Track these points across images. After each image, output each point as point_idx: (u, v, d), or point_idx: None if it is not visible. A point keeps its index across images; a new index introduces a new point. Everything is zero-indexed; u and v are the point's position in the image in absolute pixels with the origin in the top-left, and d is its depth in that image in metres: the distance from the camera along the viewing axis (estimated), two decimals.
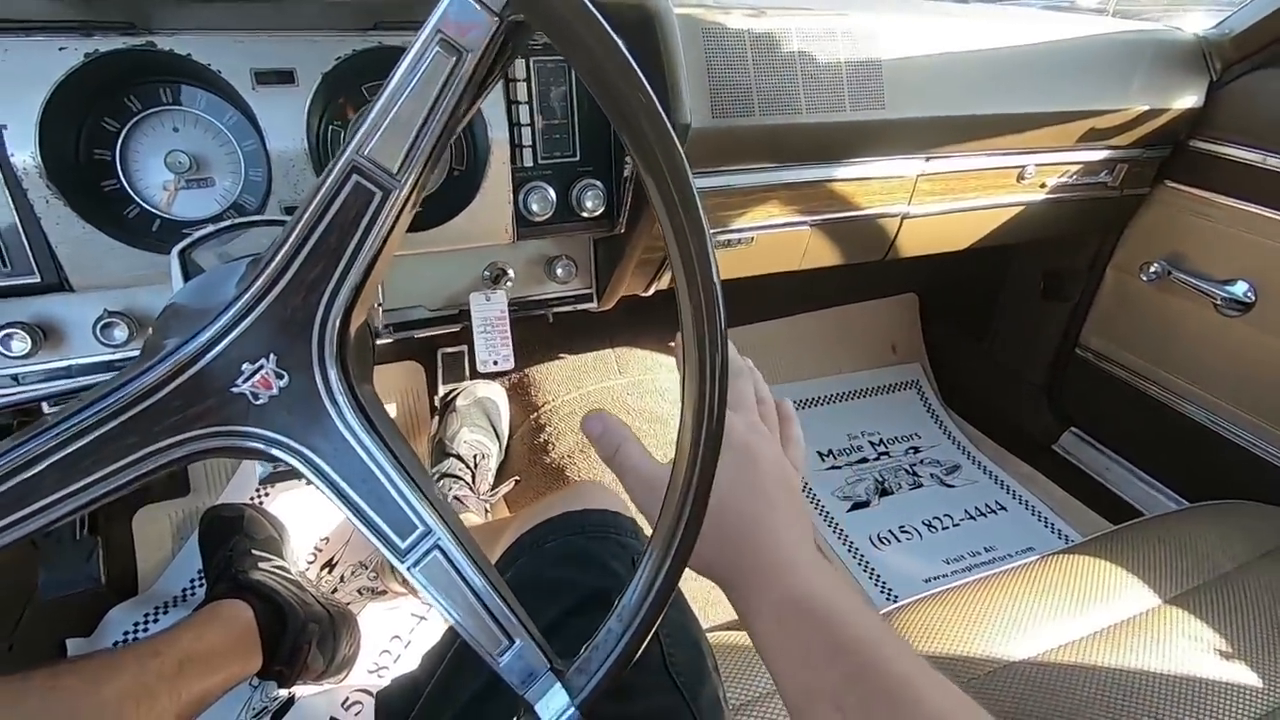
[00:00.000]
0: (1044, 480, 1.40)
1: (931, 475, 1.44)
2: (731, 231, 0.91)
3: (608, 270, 0.84)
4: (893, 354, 1.65)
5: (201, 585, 1.10)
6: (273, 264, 0.35)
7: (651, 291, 0.94)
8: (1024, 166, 1.05)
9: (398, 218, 0.35)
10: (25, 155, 0.53)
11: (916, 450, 1.50)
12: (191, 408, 0.36)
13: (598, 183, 0.73)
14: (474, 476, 1.15)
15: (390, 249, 0.37)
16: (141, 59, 0.55)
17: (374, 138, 0.33)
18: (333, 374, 0.38)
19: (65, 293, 0.61)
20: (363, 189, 0.34)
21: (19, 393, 0.64)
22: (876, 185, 0.96)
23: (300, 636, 0.90)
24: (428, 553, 0.38)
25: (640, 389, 1.22)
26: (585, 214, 0.73)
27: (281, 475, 0.83)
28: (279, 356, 0.37)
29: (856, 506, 1.35)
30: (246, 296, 0.36)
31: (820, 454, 1.46)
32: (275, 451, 0.38)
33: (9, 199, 0.55)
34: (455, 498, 1.12)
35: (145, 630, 1.03)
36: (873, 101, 0.86)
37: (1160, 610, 0.74)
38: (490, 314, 0.79)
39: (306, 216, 0.34)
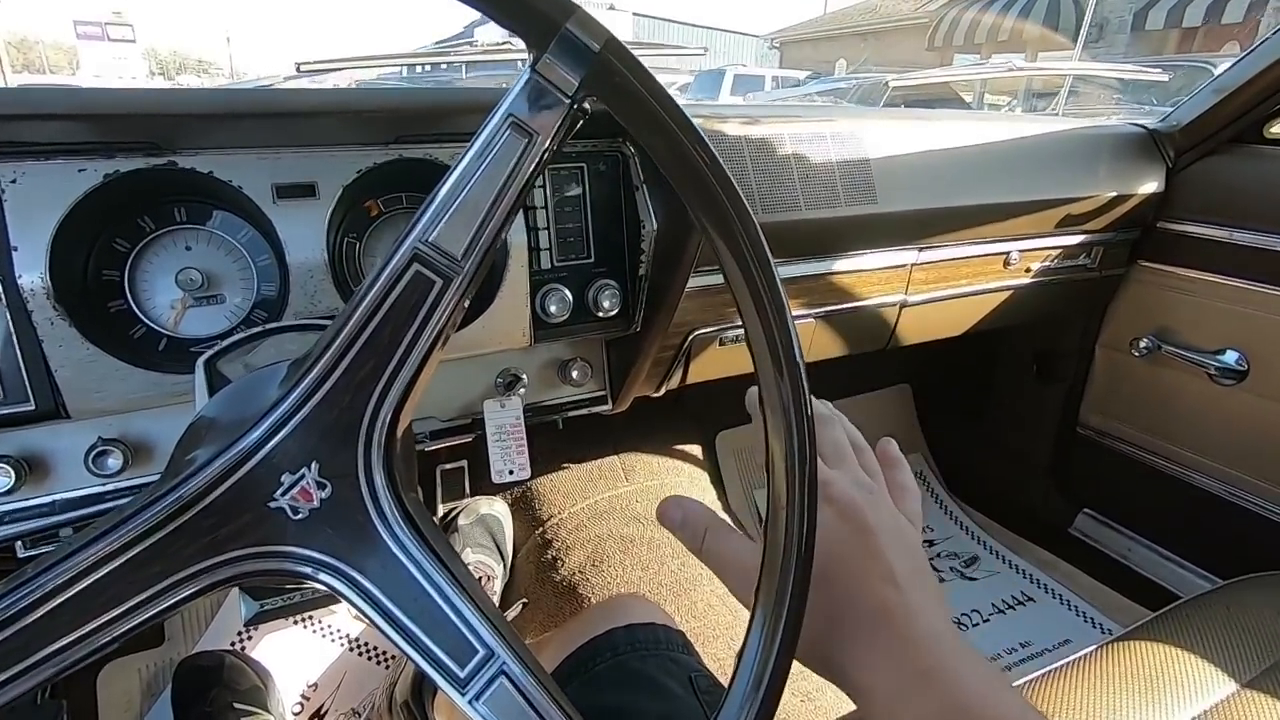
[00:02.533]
0: (1066, 566, 1.36)
1: (951, 569, 1.38)
2: (738, 327, 0.91)
3: (621, 371, 0.83)
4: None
5: None
6: (321, 362, 0.33)
7: (662, 391, 0.93)
8: (1009, 252, 1.09)
9: (454, 308, 0.33)
10: (34, 276, 0.51)
11: (931, 544, 1.45)
12: (224, 527, 0.32)
13: (613, 283, 0.72)
14: None
15: (442, 343, 0.34)
16: (161, 178, 0.55)
17: (440, 223, 0.31)
18: (380, 482, 0.34)
19: (56, 421, 0.57)
20: (422, 278, 0.32)
21: (12, 528, 0.58)
22: (874, 276, 0.98)
23: None
24: (492, 680, 0.33)
25: (650, 495, 1.17)
26: (602, 314, 0.72)
27: (268, 615, 0.76)
28: (321, 465, 0.33)
29: None
30: (290, 399, 0.33)
31: None
32: (318, 573, 0.34)
33: (9, 322, 0.52)
34: None
35: None
36: (865, 196, 0.90)
37: (1241, 695, 0.69)
38: (505, 421, 0.76)
39: (361, 310, 0.32)
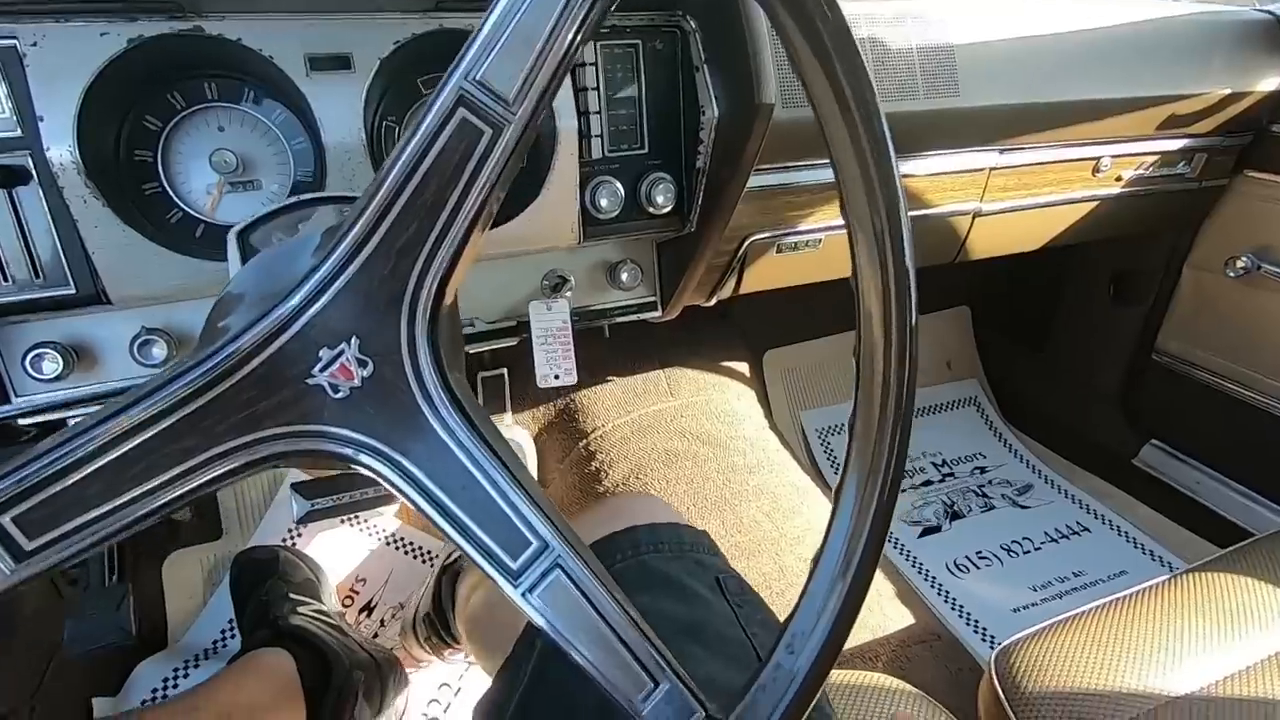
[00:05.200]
0: (1125, 497, 1.31)
1: (1003, 496, 1.34)
2: (798, 233, 0.85)
3: (673, 276, 0.78)
4: (948, 370, 1.57)
5: (234, 636, 1.02)
6: (357, 227, 0.29)
7: (714, 301, 0.88)
8: (1099, 158, 0.99)
9: (506, 163, 0.29)
10: (63, 149, 0.48)
11: (983, 470, 1.40)
12: (261, 402, 0.30)
13: (668, 176, 0.67)
14: None
15: (494, 205, 0.31)
16: (188, 47, 0.51)
17: (489, 57, 0.27)
18: (425, 360, 0.31)
19: (99, 309, 0.56)
20: (469, 127, 0.28)
21: (46, 415, 0.58)
22: (948, 181, 0.90)
23: (346, 686, 0.82)
24: (546, 573, 0.31)
25: (694, 411, 1.15)
26: (655, 211, 0.68)
27: (318, 514, 0.77)
28: (362, 340, 0.30)
29: (927, 532, 1.26)
30: (325, 268, 0.30)
31: None
32: (359, 455, 0.31)
33: (43, 199, 0.50)
34: None
35: (175, 687, 0.95)
36: (947, 88, 0.81)
37: None
38: (552, 325, 0.72)
39: (401, 164, 0.28)
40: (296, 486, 0.79)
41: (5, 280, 0.51)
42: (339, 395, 0.31)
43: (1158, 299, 1.22)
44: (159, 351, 0.59)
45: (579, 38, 0.28)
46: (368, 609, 1.09)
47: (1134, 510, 1.28)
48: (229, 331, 0.30)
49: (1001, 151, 0.91)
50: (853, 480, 0.32)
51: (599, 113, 0.63)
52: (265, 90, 0.56)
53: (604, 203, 0.64)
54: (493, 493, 0.31)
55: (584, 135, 0.62)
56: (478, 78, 0.27)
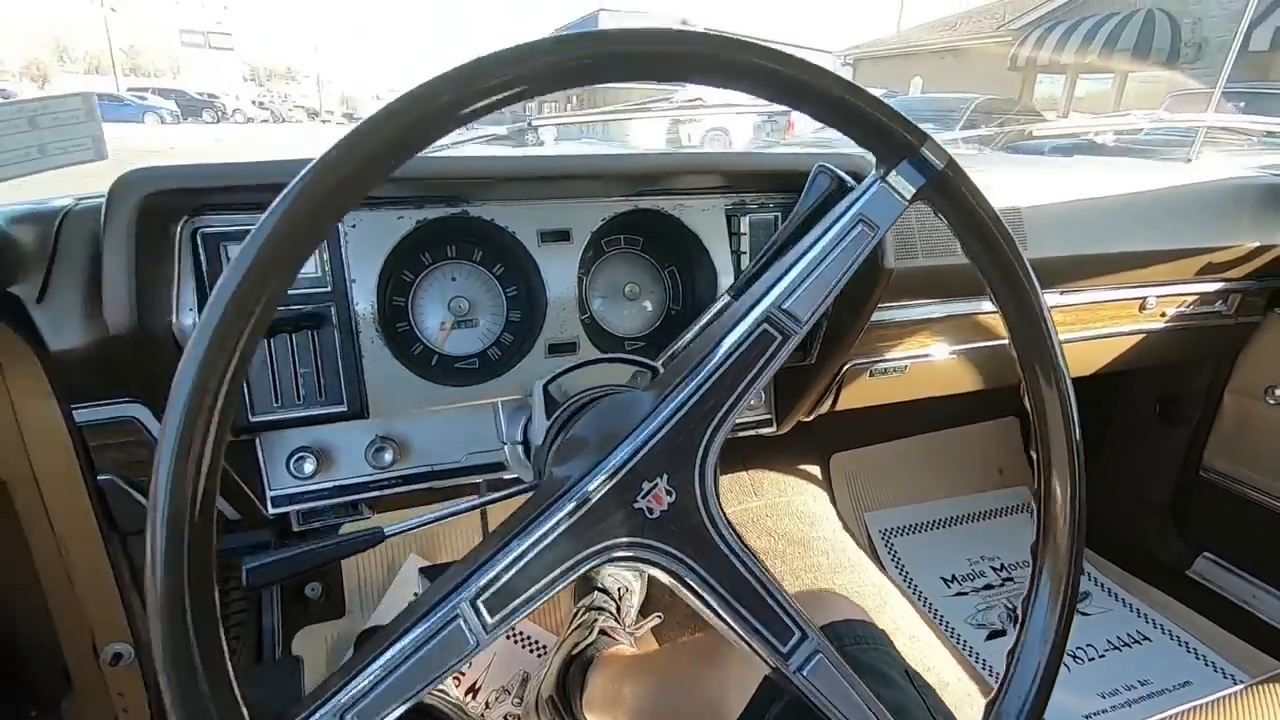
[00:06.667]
0: (1182, 608, 1.36)
1: None
2: (888, 361, 0.98)
3: (787, 398, 0.91)
4: (999, 476, 1.66)
5: None
6: (679, 397, 0.42)
7: (813, 416, 1.00)
8: (1145, 298, 1.12)
9: (786, 357, 0.42)
10: (366, 304, 0.62)
11: None
12: (610, 518, 0.41)
13: None
14: (619, 609, 1.16)
15: (767, 384, 0.43)
16: (455, 225, 0.66)
17: (795, 294, 0.40)
18: (709, 493, 0.43)
19: (346, 421, 0.69)
20: (768, 335, 0.41)
21: (307, 505, 0.70)
22: None
23: None
24: (811, 657, 0.41)
25: (778, 511, 1.25)
26: None
27: None
28: (669, 476, 0.42)
29: (994, 635, 1.32)
30: (654, 425, 0.42)
31: (944, 580, 1.44)
32: (664, 561, 0.43)
33: (337, 342, 0.64)
34: (603, 630, 1.12)
35: None
36: (1019, 243, 0.95)
37: None
38: None
39: (717, 357, 0.41)
40: (424, 571, 0.90)
41: (297, 399, 0.65)
42: (653, 516, 0.42)
43: (1202, 420, 1.33)
44: (388, 456, 0.71)
45: (850, 275, 0.41)
46: (473, 690, 1.16)
47: (1191, 621, 1.33)
48: (580, 470, 0.42)
49: (1062, 292, 1.05)
50: (1045, 588, 0.42)
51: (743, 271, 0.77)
52: (501, 254, 0.70)
53: None
54: (763, 594, 0.42)
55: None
56: (784, 306, 0.41)
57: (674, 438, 0.42)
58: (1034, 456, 0.46)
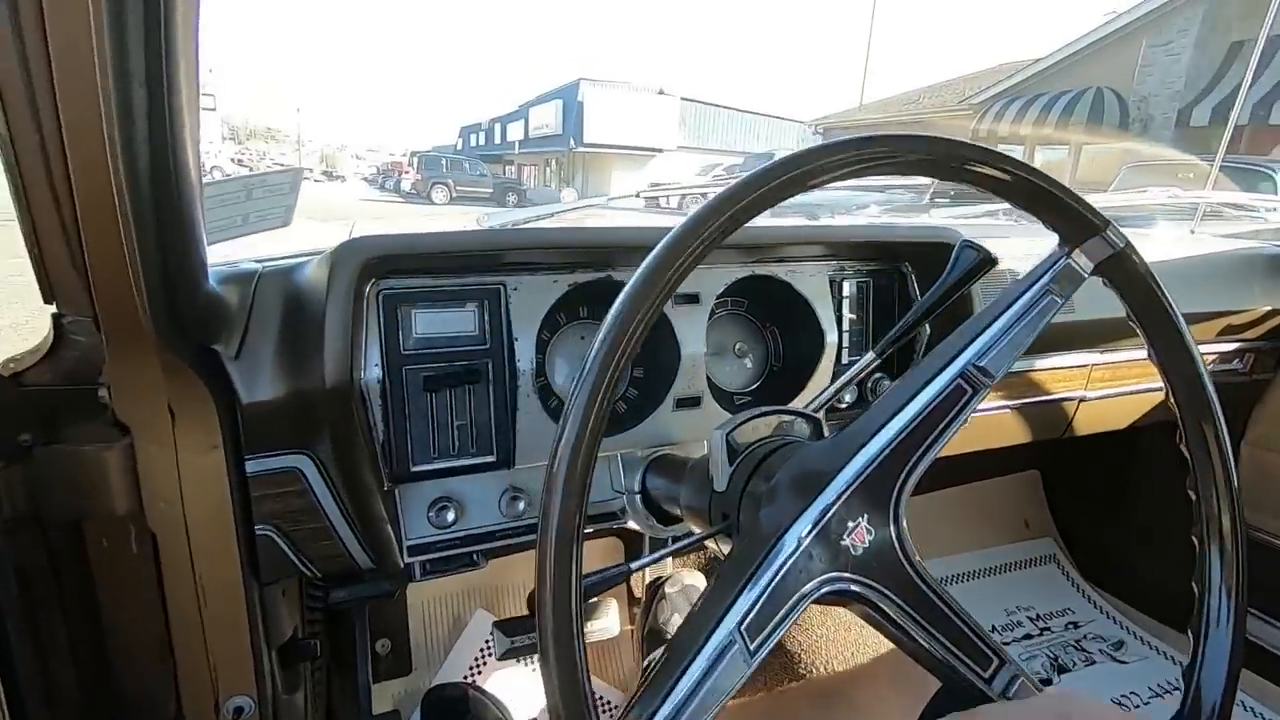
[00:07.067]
0: None
1: (1101, 651, 1.44)
2: None
3: None
4: (1025, 529, 1.72)
5: None
6: (874, 445, 0.47)
7: None
8: None
9: (974, 409, 0.48)
10: (526, 361, 0.67)
11: (1076, 625, 1.51)
12: (823, 556, 0.46)
13: (884, 376, 0.87)
14: None
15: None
16: (599, 289, 0.72)
17: (991, 352, 0.46)
18: (904, 531, 0.48)
19: (489, 471, 0.72)
20: (960, 389, 0.47)
21: (440, 554, 0.73)
22: (1062, 374, 1.12)
23: None
24: (1013, 681, 0.45)
25: None
26: (873, 399, 0.87)
27: (518, 651, 0.89)
28: (869, 516, 0.47)
29: (1043, 683, 1.34)
30: (854, 469, 0.47)
31: None
32: (869, 595, 0.47)
33: (492, 396, 0.68)
34: None
35: None
36: (1067, 308, 1.04)
37: None
38: None
39: (915, 409, 0.47)
40: (499, 625, 0.92)
41: (452, 451, 0.68)
42: (856, 553, 0.47)
43: None
44: (520, 506, 0.75)
45: (1035, 338, 0.47)
46: None
47: None
48: (794, 510, 0.46)
49: (1102, 351, 1.14)
50: (1223, 604, 0.47)
51: (847, 330, 0.84)
52: None
53: (847, 396, 0.84)
54: (958, 623, 0.47)
55: (841, 346, 0.83)
56: (980, 364, 0.46)
57: (873, 482, 0.47)
58: (1192, 495, 0.51)
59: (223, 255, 0.69)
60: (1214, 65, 10.24)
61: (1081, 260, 0.46)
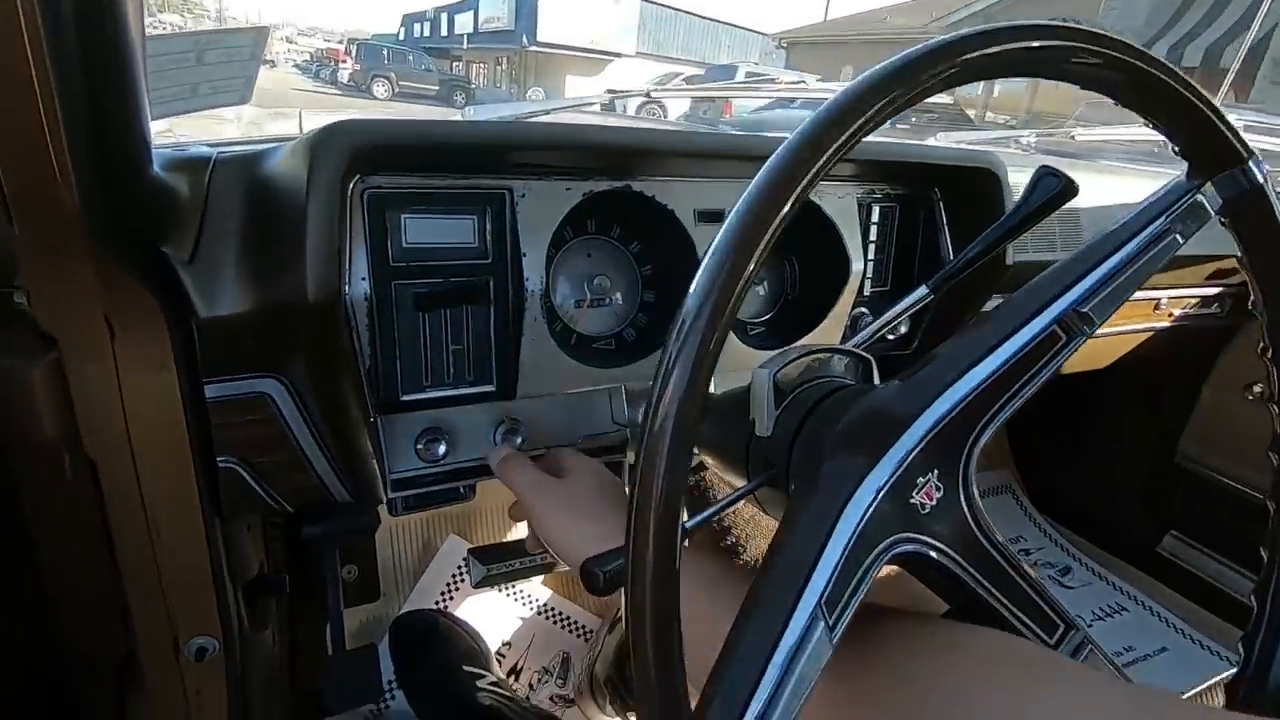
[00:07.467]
0: (1151, 581, 1.50)
1: (1048, 577, 1.51)
2: None
3: None
4: (985, 461, 1.76)
5: (393, 696, 1.05)
6: (953, 395, 0.42)
7: None
8: (1160, 299, 1.21)
9: (1068, 356, 0.43)
10: (535, 280, 0.59)
11: (1027, 553, 1.58)
12: (892, 515, 0.41)
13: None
14: None
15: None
16: (616, 199, 0.63)
17: (1095, 299, 0.41)
18: (973, 490, 0.44)
19: (484, 403, 0.65)
20: (1055, 335, 0.42)
21: (427, 488, 0.66)
22: None
23: None
24: (1081, 646, 0.43)
25: None
26: (893, 337, 0.82)
27: (494, 579, 0.85)
28: (938, 472, 0.43)
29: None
30: (930, 421, 0.42)
31: None
32: (937, 555, 0.43)
33: (493, 319, 0.60)
34: None
35: None
36: (1078, 243, 1.00)
37: None
38: None
39: (1003, 357, 0.42)
40: (475, 551, 0.87)
41: (447, 379, 0.60)
42: (925, 511, 0.42)
43: (1181, 411, 1.45)
44: (519, 438, 0.68)
45: (1144, 282, 0.42)
46: (514, 672, 1.13)
47: (1161, 593, 1.47)
48: (864, 464, 0.41)
49: None
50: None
51: (872, 260, 0.78)
52: (645, 232, 0.68)
53: (889, 336, 0.79)
54: (1025, 587, 0.43)
55: (864, 276, 0.77)
56: (1082, 310, 0.41)
57: (946, 433, 0.42)
58: (1273, 459, 0.48)
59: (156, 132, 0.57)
60: (1174, 4, 10.25)
61: (1210, 196, 0.40)
